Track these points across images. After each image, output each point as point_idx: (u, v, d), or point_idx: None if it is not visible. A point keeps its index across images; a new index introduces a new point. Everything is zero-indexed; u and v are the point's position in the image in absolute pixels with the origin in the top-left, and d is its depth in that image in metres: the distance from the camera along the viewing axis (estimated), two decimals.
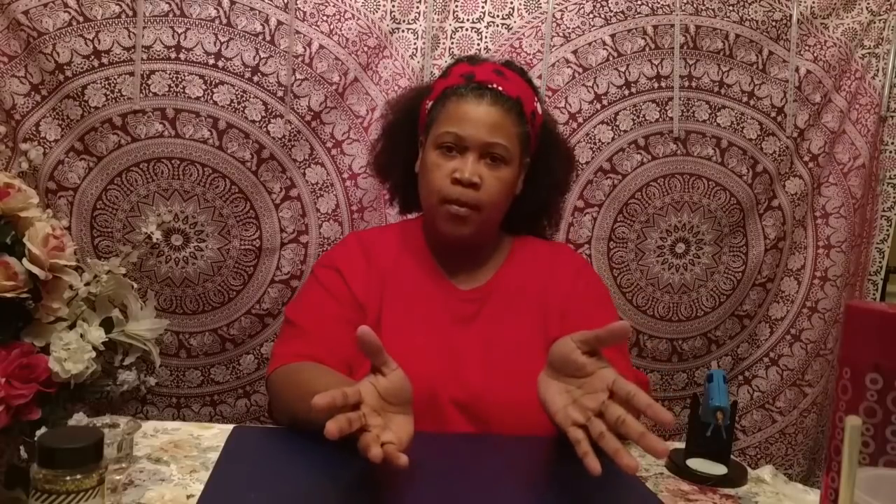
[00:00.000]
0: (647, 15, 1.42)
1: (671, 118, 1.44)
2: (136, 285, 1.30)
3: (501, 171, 1.02)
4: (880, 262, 1.54)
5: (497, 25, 1.40)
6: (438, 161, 1.02)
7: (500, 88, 1.03)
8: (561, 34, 1.41)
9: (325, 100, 1.35)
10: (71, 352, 1.14)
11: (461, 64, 1.09)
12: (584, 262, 1.22)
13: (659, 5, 1.41)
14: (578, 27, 1.41)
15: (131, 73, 1.28)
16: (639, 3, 1.41)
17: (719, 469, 0.89)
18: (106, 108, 1.28)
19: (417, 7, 1.38)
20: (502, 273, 1.10)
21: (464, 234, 1.03)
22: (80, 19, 1.26)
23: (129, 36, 1.28)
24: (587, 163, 1.44)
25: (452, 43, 1.40)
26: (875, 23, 1.47)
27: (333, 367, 0.96)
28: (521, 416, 0.93)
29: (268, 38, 1.32)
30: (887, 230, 1.53)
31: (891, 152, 1.52)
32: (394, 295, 1.05)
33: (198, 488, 0.74)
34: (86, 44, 1.26)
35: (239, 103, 1.32)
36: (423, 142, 1.08)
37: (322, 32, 1.34)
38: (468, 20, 1.40)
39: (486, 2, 1.40)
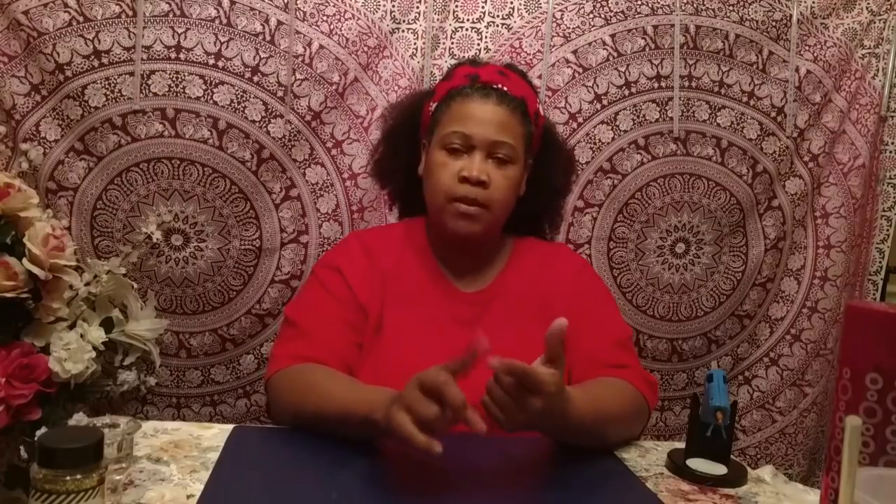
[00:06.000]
0: (647, 15, 1.42)
1: (671, 118, 1.44)
2: (136, 285, 1.30)
3: (508, 170, 1.03)
4: (880, 262, 1.54)
5: (497, 25, 1.40)
6: (445, 160, 1.02)
7: (504, 88, 1.03)
8: (561, 34, 1.41)
9: (325, 100, 1.35)
10: (71, 352, 1.15)
11: (464, 66, 1.10)
12: (584, 262, 1.22)
13: (659, 5, 1.41)
14: (578, 27, 1.41)
15: (131, 73, 1.28)
16: (639, 3, 1.41)
17: (719, 469, 0.89)
18: (106, 108, 1.28)
19: (417, 7, 1.38)
20: (505, 276, 1.10)
21: (473, 232, 1.03)
22: (80, 19, 1.26)
23: (129, 36, 1.28)
24: (587, 163, 1.44)
25: (452, 43, 1.40)
26: (875, 23, 1.47)
27: (333, 368, 0.96)
28: None
29: (268, 38, 1.32)
30: (887, 230, 1.53)
31: (891, 152, 1.52)
32: (395, 296, 1.05)
33: (198, 488, 0.74)
34: (86, 44, 1.26)
35: (239, 103, 1.32)
36: (425, 144, 1.08)
37: (322, 32, 1.34)
38: (468, 20, 1.40)
39: (486, 2, 1.40)
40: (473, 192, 1.00)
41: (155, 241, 1.31)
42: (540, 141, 1.10)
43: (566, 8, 1.41)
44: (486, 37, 1.40)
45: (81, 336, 1.18)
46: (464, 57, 1.39)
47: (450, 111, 1.03)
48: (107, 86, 1.27)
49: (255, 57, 1.32)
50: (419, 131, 1.11)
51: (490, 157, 1.02)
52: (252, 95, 1.32)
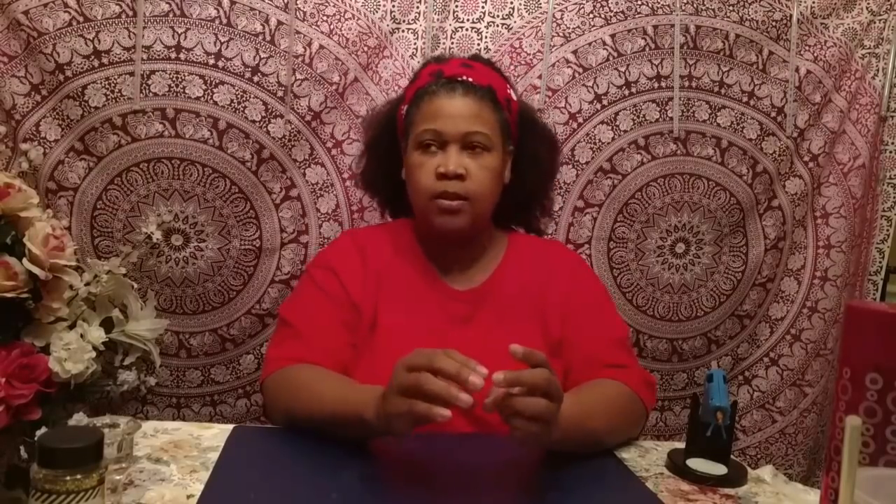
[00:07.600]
0: (647, 15, 1.42)
1: (671, 118, 1.44)
2: (136, 285, 1.30)
3: (485, 160, 1.03)
4: (880, 262, 1.54)
5: (497, 25, 1.40)
6: (421, 160, 1.03)
7: (469, 79, 1.04)
8: (561, 34, 1.41)
9: (325, 100, 1.35)
10: (71, 352, 1.15)
11: (429, 65, 1.10)
12: (579, 260, 1.22)
13: (659, 5, 1.41)
14: (578, 27, 1.41)
15: (131, 73, 1.28)
16: (639, 3, 1.41)
17: (719, 469, 0.89)
18: (106, 108, 1.28)
19: (417, 7, 1.38)
20: (499, 274, 1.10)
21: (458, 226, 1.03)
22: (80, 19, 1.26)
23: (129, 36, 1.28)
24: (587, 163, 1.44)
25: (452, 43, 1.40)
26: (875, 23, 1.47)
27: (328, 368, 0.96)
28: None
29: (268, 38, 1.32)
30: (887, 230, 1.53)
31: (891, 152, 1.52)
32: (388, 295, 1.05)
33: (198, 488, 0.74)
34: (86, 44, 1.26)
35: (239, 103, 1.32)
36: (404, 148, 1.09)
37: (322, 32, 1.34)
38: (468, 20, 1.40)
39: (486, 2, 1.40)
40: (453, 185, 1.00)
41: (155, 241, 1.31)
42: (518, 127, 1.10)
43: (566, 8, 1.41)
44: (486, 37, 1.40)
45: (81, 336, 1.18)
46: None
47: (419, 111, 1.04)
48: (107, 86, 1.27)
49: (255, 57, 1.32)
50: (398, 138, 1.11)
51: (465, 149, 1.02)
52: (252, 95, 1.32)
